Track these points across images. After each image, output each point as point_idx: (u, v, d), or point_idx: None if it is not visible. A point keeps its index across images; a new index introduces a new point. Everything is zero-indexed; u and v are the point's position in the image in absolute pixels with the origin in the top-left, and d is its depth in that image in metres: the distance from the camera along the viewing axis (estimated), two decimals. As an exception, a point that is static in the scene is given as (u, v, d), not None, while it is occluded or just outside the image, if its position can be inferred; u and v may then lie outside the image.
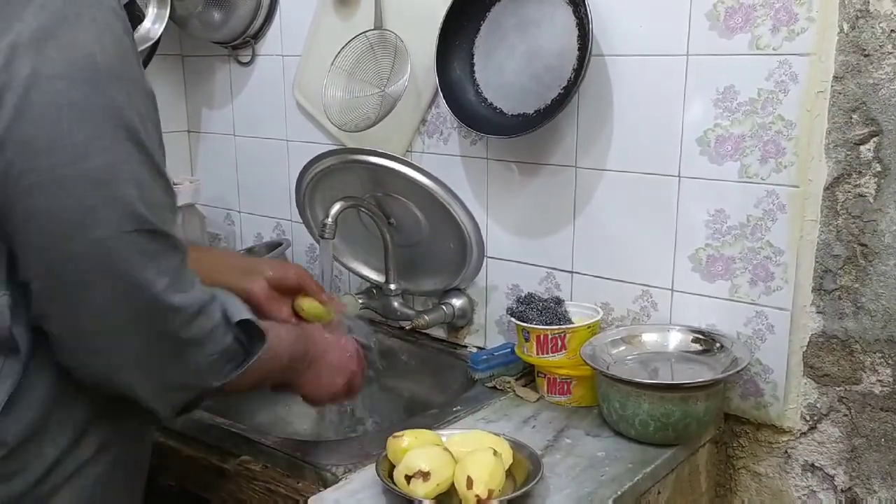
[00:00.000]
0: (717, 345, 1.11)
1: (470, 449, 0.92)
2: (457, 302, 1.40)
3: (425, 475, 0.88)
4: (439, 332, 1.45)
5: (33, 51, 0.67)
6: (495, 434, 0.99)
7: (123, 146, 0.71)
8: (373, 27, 1.37)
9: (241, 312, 0.84)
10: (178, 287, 0.75)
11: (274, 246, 1.57)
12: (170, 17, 1.55)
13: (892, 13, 0.96)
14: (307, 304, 1.08)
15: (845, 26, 0.99)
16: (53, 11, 0.68)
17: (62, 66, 0.68)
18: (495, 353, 1.29)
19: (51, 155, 0.68)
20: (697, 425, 1.04)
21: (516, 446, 0.98)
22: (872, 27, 0.97)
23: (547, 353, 1.16)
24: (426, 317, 1.36)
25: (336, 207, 1.28)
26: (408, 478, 0.88)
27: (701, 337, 1.13)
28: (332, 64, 1.40)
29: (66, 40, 0.68)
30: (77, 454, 0.79)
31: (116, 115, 0.71)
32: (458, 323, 1.42)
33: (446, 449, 0.93)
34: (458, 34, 1.27)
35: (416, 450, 0.92)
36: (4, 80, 0.66)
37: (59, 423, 0.77)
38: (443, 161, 1.38)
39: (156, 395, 0.79)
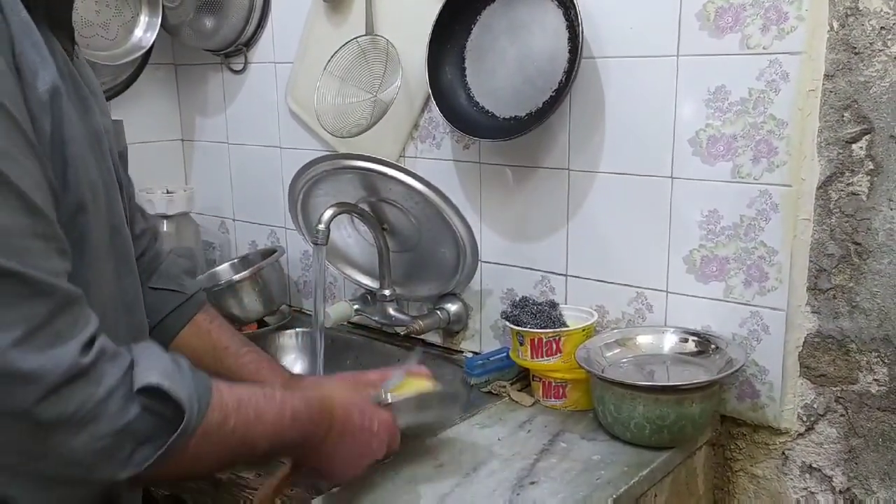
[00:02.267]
0: (713, 346, 1.10)
1: None
2: (452, 307, 1.40)
3: None
4: (435, 338, 1.44)
5: None
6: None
7: None
8: (364, 33, 1.37)
9: (157, 375, 0.63)
10: (35, 345, 0.57)
11: (268, 253, 1.56)
12: (161, 25, 1.55)
13: (881, 10, 0.96)
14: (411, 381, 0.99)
15: (835, 24, 0.99)
16: None
17: None
18: (490, 358, 1.28)
19: None
20: (693, 427, 1.03)
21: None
22: (862, 25, 0.97)
23: (542, 356, 1.15)
24: (421, 322, 1.36)
25: (329, 213, 1.28)
26: None
27: (696, 338, 1.12)
28: (324, 70, 1.40)
29: None
30: None
31: None
32: (454, 328, 1.41)
33: None
34: (448, 39, 1.27)
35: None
36: None
37: None
38: (436, 166, 1.37)
39: (28, 496, 0.61)
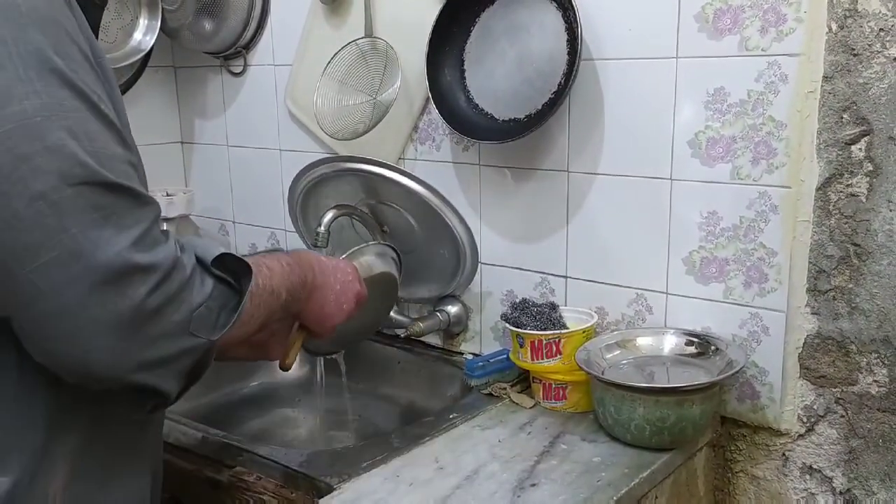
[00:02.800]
0: (713, 347, 1.10)
1: None
2: (452, 309, 1.40)
3: None
4: (435, 340, 1.44)
5: None
6: None
7: (56, 92, 0.65)
8: (363, 35, 1.38)
9: (215, 250, 0.74)
10: (144, 246, 0.67)
11: (268, 255, 1.56)
12: (161, 28, 1.55)
13: (880, 12, 0.96)
14: None
15: (834, 26, 0.99)
16: None
17: None
18: (490, 360, 1.28)
19: None
20: (693, 429, 1.03)
21: None
22: (861, 26, 0.97)
23: (542, 358, 1.15)
24: (421, 324, 1.36)
25: (329, 216, 1.28)
26: None
27: (696, 340, 1.12)
28: (323, 72, 1.40)
29: None
30: (58, 442, 0.73)
31: (43, 58, 0.65)
32: (454, 330, 1.41)
33: None
34: (448, 41, 1.27)
35: None
36: None
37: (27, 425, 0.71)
38: (435, 168, 1.38)
39: (148, 374, 0.69)
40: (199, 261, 0.72)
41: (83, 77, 0.67)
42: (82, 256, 0.63)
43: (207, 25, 1.54)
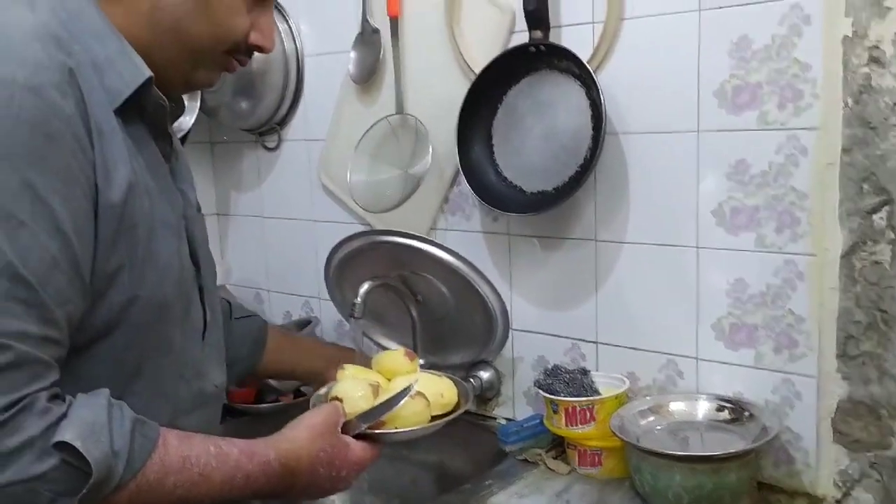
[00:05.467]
0: (746, 413, 1.12)
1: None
2: (484, 374, 1.42)
3: (339, 401, 0.98)
4: (467, 384, 1.46)
5: None
6: (450, 379, 1.11)
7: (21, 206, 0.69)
8: (394, 112, 1.44)
9: (73, 431, 0.70)
10: None
11: (303, 324, 1.61)
12: (199, 108, 1.63)
13: (894, 87, 1.00)
14: (386, 360, 1.12)
15: (850, 101, 1.03)
16: None
17: None
18: (524, 425, 1.30)
19: None
20: (731, 496, 1.04)
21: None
22: (876, 101, 1.01)
23: (576, 424, 1.17)
24: (455, 390, 1.38)
25: (365, 287, 1.32)
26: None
27: (729, 405, 1.14)
28: (356, 148, 1.46)
29: None
30: None
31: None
32: (487, 394, 1.44)
33: (376, 385, 1.02)
34: (476, 118, 1.32)
35: (346, 379, 1.04)
36: None
37: None
38: (466, 237, 1.42)
39: None
40: (55, 438, 0.70)
41: (18, 210, 0.69)
42: None
43: (244, 104, 1.62)
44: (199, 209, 1.04)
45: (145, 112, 0.86)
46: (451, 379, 1.12)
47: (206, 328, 0.97)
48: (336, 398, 0.98)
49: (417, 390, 1.00)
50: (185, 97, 1.03)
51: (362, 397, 0.99)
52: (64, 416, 0.72)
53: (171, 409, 0.89)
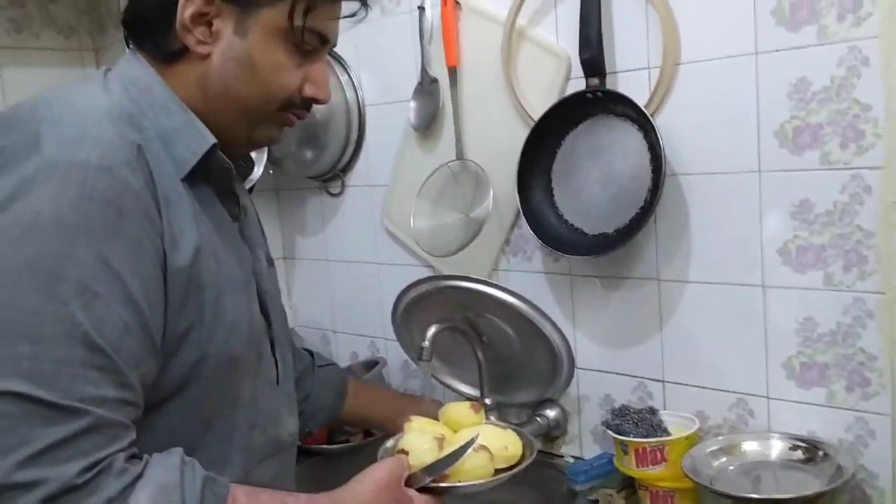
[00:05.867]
0: (821, 452, 1.11)
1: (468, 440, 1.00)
2: (550, 412, 1.44)
3: (405, 453, 0.98)
4: (532, 436, 1.48)
5: None
6: (514, 431, 1.10)
7: (32, 297, 0.71)
8: (454, 158, 1.48)
9: (148, 494, 0.73)
10: (42, 461, 0.69)
11: (371, 364, 1.65)
12: (267, 158, 1.70)
13: (959, 125, 1.00)
14: (452, 412, 1.12)
15: (913, 139, 1.03)
16: (23, 177, 0.74)
17: (3, 222, 0.73)
18: (594, 464, 1.31)
19: None
20: (808, 538, 1.04)
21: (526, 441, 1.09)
22: (941, 139, 1.02)
23: (647, 465, 1.18)
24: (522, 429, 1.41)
25: (432, 330, 1.36)
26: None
27: (802, 445, 1.13)
28: (418, 193, 1.51)
29: (24, 201, 0.73)
30: None
31: (38, 265, 0.72)
32: (553, 433, 1.45)
33: (441, 438, 1.03)
34: (535, 162, 1.36)
35: (412, 431, 1.05)
36: None
37: None
38: (528, 278, 1.45)
39: None
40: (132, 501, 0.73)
41: (96, 285, 0.73)
42: None
43: (309, 153, 1.69)
44: (270, 263, 1.09)
45: (211, 175, 0.91)
46: (516, 431, 1.12)
47: (279, 379, 1.01)
48: (402, 451, 1.00)
49: (481, 443, 1.00)
50: (253, 153, 1.08)
51: (427, 450, 1.00)
52: (140, 476, 0.75)
53: (245, 457, 0.94)
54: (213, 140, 0.88)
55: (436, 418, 1.14)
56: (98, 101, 0.84)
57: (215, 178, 0.91)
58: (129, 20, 0.93)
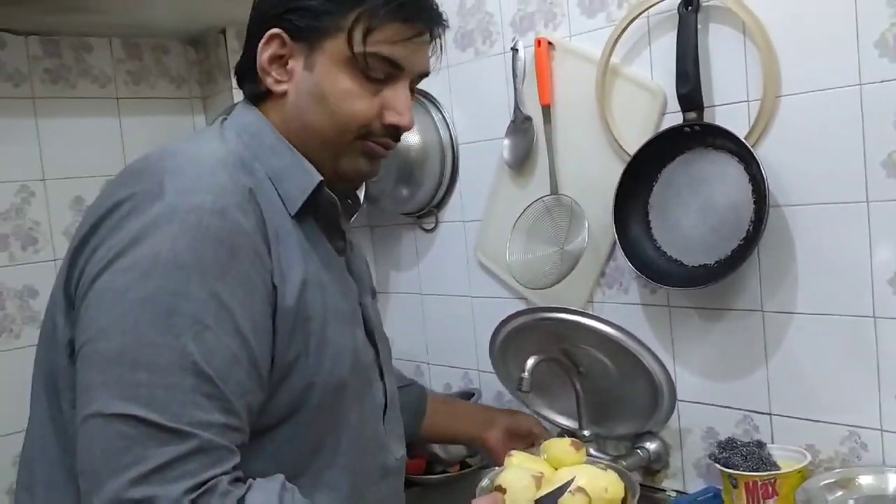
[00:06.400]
0: (943, 488, 1.08)
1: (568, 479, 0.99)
2: (651, 445, 1.43)
3: (502, 490, 0.98)
4: (635, 476, 1.47)
5: (117, 254, 0.80)
6: (616, 471, 1.07)
7: (150, 330, 0.77)
8: (549, 193, 1.52)
9: None
10: (153, 480, 0.74)
11: (467, 396, 1.68)
12: (364, 196, 1.77)
13: None
14: (552, 449, 1.11)
15: None
16: (147, 220, 0.80)
17: (128, 262, 0.79)
18: (698, 499, 1.30)
19: (84, 333, 0.80)
20: (936, 577, 1.01)
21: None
22: None
23: (758, 500, 1.17)
24: (623, 462, 1.40)
25: (531, 362, 1.38)
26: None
27: (923, 480, 1.11)
28: (513, 228, 1.54)
29: (147, 243, 0.79)
30: None
31: (156, 301, 0.78)
32: (654, 466, 1.44)
33: (539, 476, 1.01)
34: (631, 196, 1.37)
35: (511, 468, 1.04)
36: (88, 277, 0.81)
37: None
38: (624, 310, 1.46)
39: None
40: None
41: (214, 321, 0.79)
42: (86, 479, 0.76)
43: (405, 191, 1.75)
44: (374, 295, 1.14)
45: (319, 211, 0.96)
46: (619, 471, 1.09)
47: (388, 404, 1.06)
48: (499, 487, 1.00)
49: (580, 485, 0.99)
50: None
51: (525, 488, 1.00)
52: (242, 499, 0.78)
53: (353, 482, 0.97)
54: (319, 178, 0.94)
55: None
56: (214, 150, 0.92)
57: (323, 214, 0.97)
58: (237, 68, 1.02)
